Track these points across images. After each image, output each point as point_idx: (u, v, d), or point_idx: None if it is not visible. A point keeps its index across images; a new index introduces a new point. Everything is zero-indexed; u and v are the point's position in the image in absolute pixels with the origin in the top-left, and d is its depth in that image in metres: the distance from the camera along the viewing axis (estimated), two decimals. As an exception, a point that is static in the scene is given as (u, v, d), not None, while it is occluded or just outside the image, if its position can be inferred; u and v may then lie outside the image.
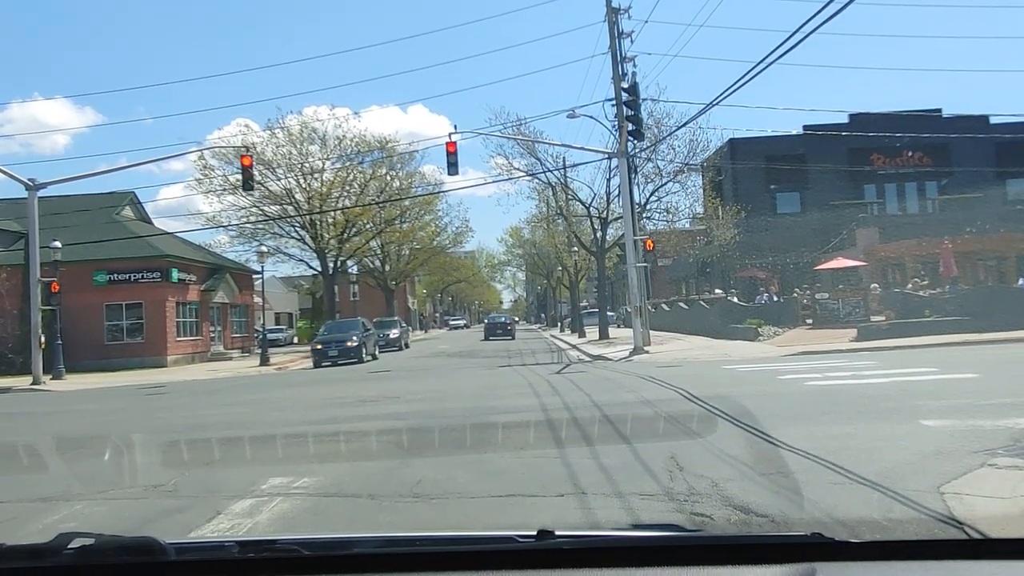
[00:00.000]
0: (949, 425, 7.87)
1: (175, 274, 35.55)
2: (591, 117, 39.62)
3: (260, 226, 44.19)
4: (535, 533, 2.13)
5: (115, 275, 34.59)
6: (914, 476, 5.70)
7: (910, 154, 41.18)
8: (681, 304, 40.34)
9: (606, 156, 29.19)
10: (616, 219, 33.16)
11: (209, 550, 2.34)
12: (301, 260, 47.93)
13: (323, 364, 28.34)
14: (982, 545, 2.32)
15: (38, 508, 6.35)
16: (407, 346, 41.02)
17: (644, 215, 31.96)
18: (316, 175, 43.63)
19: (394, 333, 39.20)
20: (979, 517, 4.56)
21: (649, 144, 29.29)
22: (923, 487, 5.32)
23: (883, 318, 24.88)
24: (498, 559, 2.12)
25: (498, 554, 2.15)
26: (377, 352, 32.37)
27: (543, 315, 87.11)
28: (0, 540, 2.30)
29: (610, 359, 23.02)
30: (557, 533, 2.13)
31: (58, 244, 28.05)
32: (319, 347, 29.33)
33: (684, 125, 28.52)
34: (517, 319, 68.03)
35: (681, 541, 2.27)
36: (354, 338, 29.36)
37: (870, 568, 2.04)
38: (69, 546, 2.17)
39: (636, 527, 4.26)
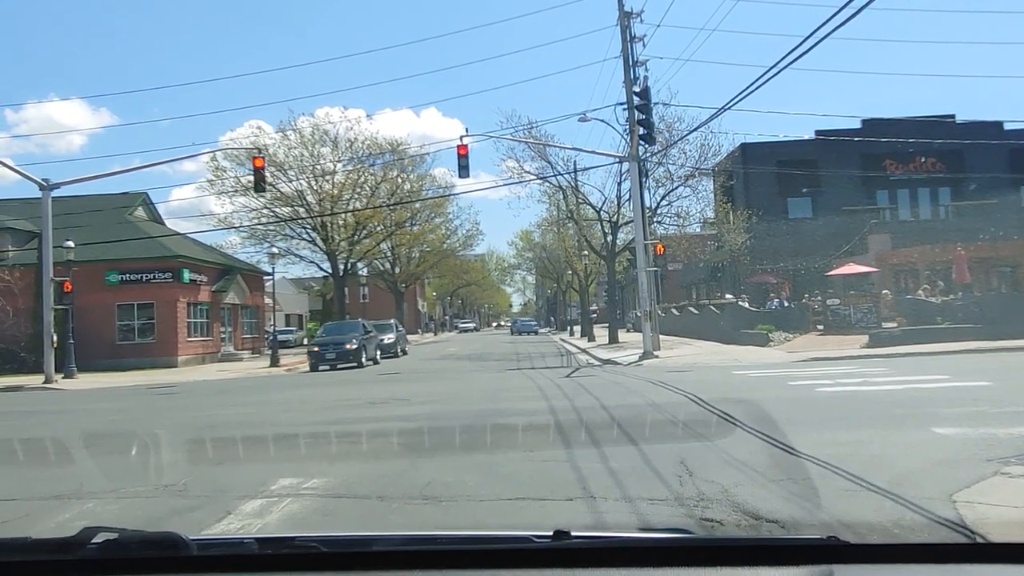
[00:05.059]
0: (961, 433, 7.83)
1: (187, 275, 35.72)
2: (602, 121, 39.48)
3: (271, 227, 44.33)
4: (551, 533, 2.14)
5: (127, 275, 34.79)
6: (926, 484, 5.67)
7: (923, 160, 40.95)
8: (691, 309, 40.23)
9: (617, 160, 29.18)
10: (626, 223, 33.15)
11: (230, 546, 2.37)
12: (312, 262, 48.07)
13: (320, 367, 27.31)
14: (994, 549, 2.31)
15: (51, 505, 6.40)
16: (404, 352, 36.66)
17: (655, 219, 31.90)
18: (327, 177, 43.75)
19: (388, 338, 34.19)
20: (991, 525, 4.53)
21: (660, 148, 29.26)
22: (935, 495, 5.29)
23: (895, 324, 24.74)
24: (515, 558, 2.13)
25: (515, 553, 2.16)
26: (378, 356, 30.77)
27: (552, 319, 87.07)
28: (17, 536, 2.34)
29: (619, 363, 22.98)
30: (573, 534, 2.14)
31: (71, 244, 28.23)
32: (316, 349, 28.12)
33: (695, 129, 28.51)
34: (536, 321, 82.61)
35: (697, 543, 2.28)
36: (353, 341, 27.94)
37: (886, 571, 2.04)
38: (94, 540, 2.21)
39: (645, 531, 4.26)
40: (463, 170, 23.75)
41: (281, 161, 42.40)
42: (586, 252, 43.46)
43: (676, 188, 32.50)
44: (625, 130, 26.51)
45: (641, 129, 24.25)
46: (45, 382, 25.03)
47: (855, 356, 19.96)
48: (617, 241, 35.04)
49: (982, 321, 22.03)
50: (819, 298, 29.07)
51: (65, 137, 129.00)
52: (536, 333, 67.60)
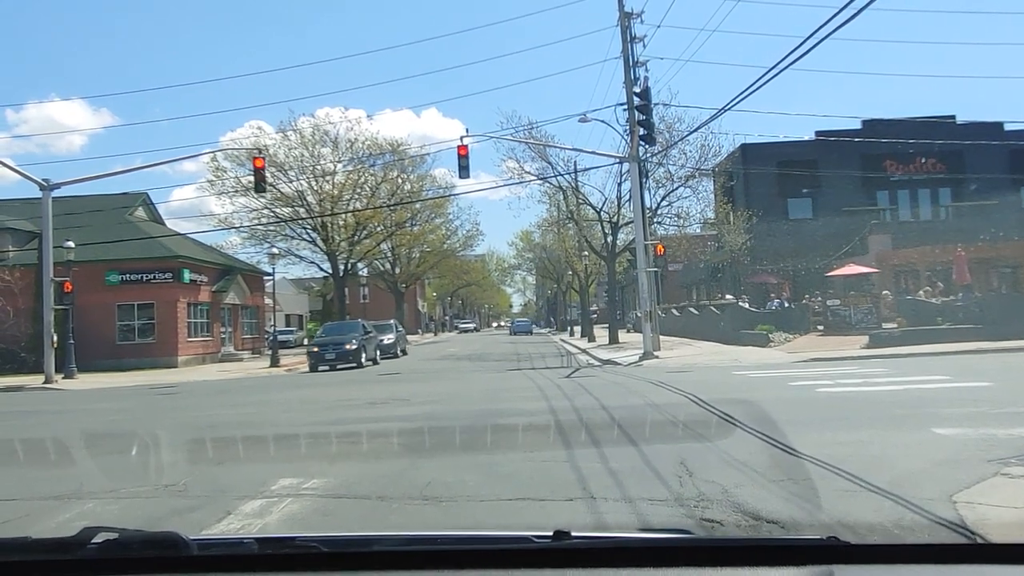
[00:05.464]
0: (962, 433, 7.82)
1: (187, 275, 35.73)
2: (603, 121, 39.53)
3: (272, 228, 44.34)
4: (551, 533, 2.14)
5: (127, 275, 34.79)
6: (926, 484, 5.66)
7: (923, 160, 40.92)
8: (691, 309, 40.23)
9: (617, 160, 29.19)
10: (627, 224, 33.13)
11: (230, 545, 2.38)
12: (312, 262, 48.07)
13: (319, 368, 27.22)
14: (994, 550, 2.31)
15: (51, 506, 6.40)
16: (404, 352, 36.69)
17: (655, 220, 31.90)
18: (328, 177, 43.76)
19: (388, 338, 34.00)
20: (992, 526, 4.53)
21: (661, 149, 29.25)
22: (935, 496, 5.28)
23: (895, 325, 24.73)
24: (515, 558, 2.13)
25: (515, 553, 2.16)
26: (378, 356, 30.64)
27: (553, 319, 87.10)
28: (17, 536, 2.33)
29: (619, 364, 22.98)
30: (573, 534, 2.14)
31: (71, 244, 28.23)
32: (315, 350, 27.97)
33: (696, 130, 28.49)
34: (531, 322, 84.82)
35: (697, 543, 2.28)
36: (352, 341, 27.84)
37: (885, 571, 2.04)
38: (94, 540, 2.21)
39: (645, 531, 4.26)
40: (463, 170, 23.79)
41: (281, 161, 42.41)
42: (586, 253, 43.44)
43: (676, 189, 32.53)
44: (625, 131, 26.53)
45: (641, 130, 24.24)
46: (45, 382, 25.03)
47: (855, 357, 19.95)
48: (617, 242, 35.03)
49: (982, 322, 22.03)
50: (819, 299, 29.07)
51: (66, 137, 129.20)
52: (530, 333, 70.54)
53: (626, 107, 25.73)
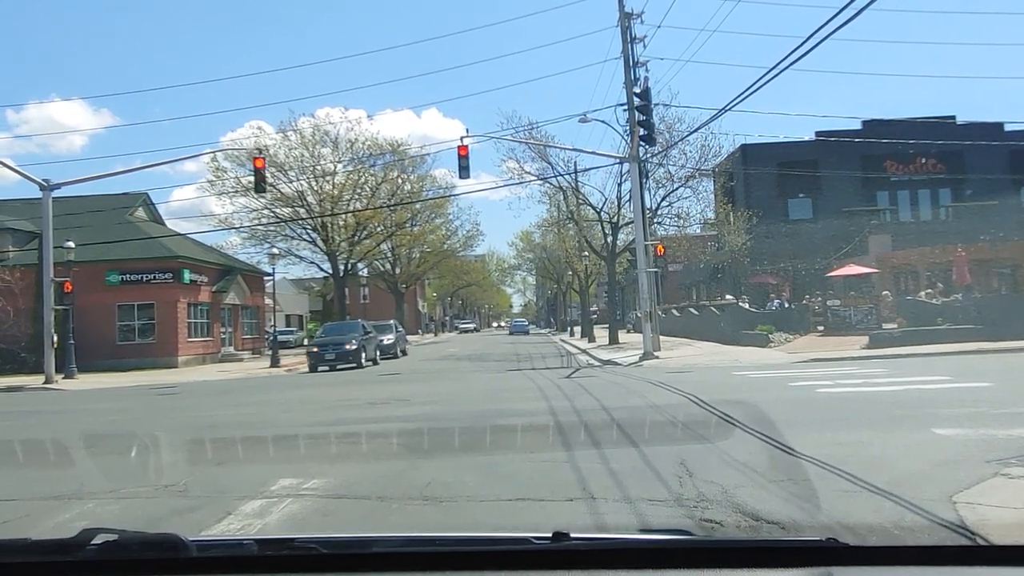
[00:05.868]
0: (962, 434, 7.82)
1: (187, 275, 35.73)
2: (603, 122, 39.52)
3: (272, 228, 44.36)
4: (551, 535, 2.14)
5: (127, 275, 34.80)
6: (926, 485, 5.66)
7: (923, 161, 40.94)
8: (692, 310, 40.21)
9: (617, 161, 29.19)
10: (627, 224, 33.13)
11: (229, 547, 2.38)
12: (312, 262, 48.09)
13: (319, 368, 27.18)
14: (994, 551, 2.32)
15: (51, 506, 6.39)
16: (404, 353, 36.59)
17: (655, 220, 31.90)
18: (328, 178, 43.77)
19: (388, 338, 33.91)
20: (992, 527, 4.52)
21: (661, 149, 29.25)
22: (935, 496, 5.28)
23: (895, 326, 24.73)
24: (514, 560, 2.14)
25: (514, 555, 2.16)
26: (378, 357, 30.62)
27: (553, 319, 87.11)
28: (16, 537, 2.33)
29: (620, 364, 22.98)
30: (572, 535, 2.14)
31: (71, 244, 28.23)
32: (315, 350, 27.92)
33: (696, 130, 28.48)
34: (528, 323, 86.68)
35: (697, 544, 2.28)
36: (352, 341, 27.79)
37: (885, 572, 2.04)
38: (93, 541, 2.21)
39: (645, 532, 4.26)
40: (463, 171, 23.79)
41: (281, 162, 42.43)
42: (586, 253, 43.45)
43: (676, 189, 32.52)
44: (625, 131, 26.54)
45: (641, 130, 24.23)
46: (45, 382, 25.03)
47: (855, 357, 19.95)
48: (617, 242, 35.02)
49: (982, 322, 22.03)
50: (819, 299, 29.07)
51: (66, 137, 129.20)
52: (527, 332, 72.20)
53: (626, 107, 25.77)
